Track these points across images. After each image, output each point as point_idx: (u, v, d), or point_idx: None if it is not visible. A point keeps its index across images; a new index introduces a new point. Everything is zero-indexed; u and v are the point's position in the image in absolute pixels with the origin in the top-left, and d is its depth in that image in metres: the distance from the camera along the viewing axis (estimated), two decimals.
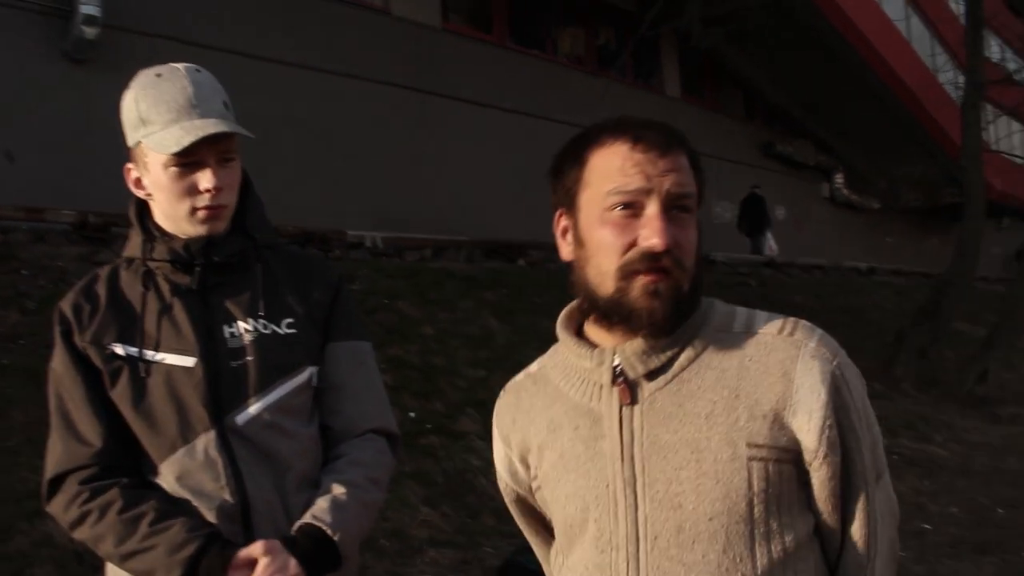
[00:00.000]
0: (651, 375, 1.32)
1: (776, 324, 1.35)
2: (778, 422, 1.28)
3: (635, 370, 1.32)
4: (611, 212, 1.29)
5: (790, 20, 16.21)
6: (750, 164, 19.79)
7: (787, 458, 1.29)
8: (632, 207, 1.28)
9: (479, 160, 12.96)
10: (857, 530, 1.33)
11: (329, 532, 1.66)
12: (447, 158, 12.62)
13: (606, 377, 1.35)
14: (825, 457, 1.29)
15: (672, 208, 1.29)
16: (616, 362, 1.33)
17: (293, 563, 1.61)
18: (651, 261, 1.27)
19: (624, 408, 1.33)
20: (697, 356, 1.33)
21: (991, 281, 21.29)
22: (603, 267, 1.30)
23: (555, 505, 1.41)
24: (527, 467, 1.47)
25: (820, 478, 1.31)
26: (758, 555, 1.27)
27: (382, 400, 1.92)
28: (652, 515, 1.29)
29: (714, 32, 14.13)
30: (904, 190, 24.46)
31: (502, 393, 1.54)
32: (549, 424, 1.42)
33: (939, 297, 11.80)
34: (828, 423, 1.28)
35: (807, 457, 1.30)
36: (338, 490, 1.72)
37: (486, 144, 13.11)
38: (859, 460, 1.31)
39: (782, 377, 1.29)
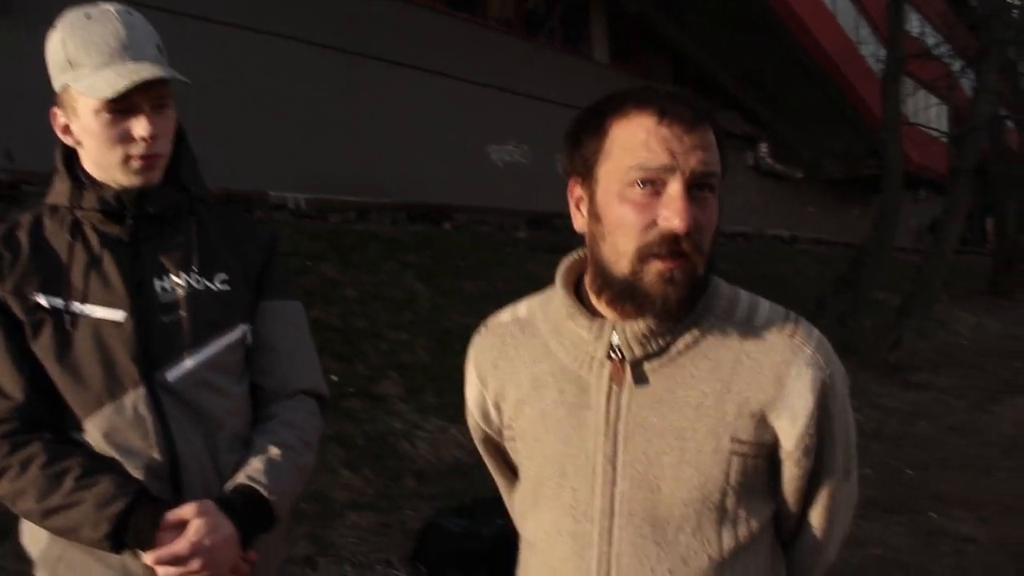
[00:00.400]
0: (647, 356, 1.32)
1: (778, 320, 1.34)
2: (764, 421, 1.30)
3: (632, 352, 1.31)
4: (632, 188, 1.24)
5: None
6: None
7: (764, 453, 1.33)
8: (654, 184, 1.23)
9: (406, 122, 12.78)
10: (817, 518, 1.40)
11: (265, 493, 1.63)
12: (373, 119, 12.42)
13: (601, 352, 1.33)
14: (799, 460, 1.33)
15: (695, 187, 1.24)
16: (615, 340, 1.31)
17: (227, 524, 1.58)
18: (671, 244, 1.23)
19: (614, 384, 1.33)
20: (695, 343, 1.32)
21: (908, 251, 21.87)
22: (620, 246, 1.26)
23: (529, 461, 1.43)
24: (500, 412, 1.47)
25: (790, 475, 1.35)
26: (724, 539, 1.31)
27: (313, 361, 1.89)
28: (629, 493, 1.31)
29: None
30: (827, 161, 24.91)
31: (483, 330, 1.51)
32: (533, 380, 1.40)
33: (859, 266, 12.05)
34: (810, 431, 1.31)
35: (782, 454, 1.34)
36: (273, 451, 1.70)
37: (413, 106, 12.93)
38: (831, 461, 1.36)
39: (775, 380, 1.30)
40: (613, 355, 1.32)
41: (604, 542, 1.33)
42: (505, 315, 1.49)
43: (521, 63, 13.35)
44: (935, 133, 18.94)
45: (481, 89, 13.87)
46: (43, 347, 1.64)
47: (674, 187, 1.22)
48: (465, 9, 15.11)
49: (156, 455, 1.64)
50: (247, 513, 1.62)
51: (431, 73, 13.19)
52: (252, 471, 1.66)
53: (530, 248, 11.16)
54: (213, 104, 9.62)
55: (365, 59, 12.51)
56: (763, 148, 22.97)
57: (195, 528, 1.54)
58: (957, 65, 16.20)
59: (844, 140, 23.11)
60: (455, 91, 13.59)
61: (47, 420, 1.63)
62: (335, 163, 11.60)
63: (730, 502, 1.31)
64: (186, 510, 1.56)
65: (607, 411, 1.32)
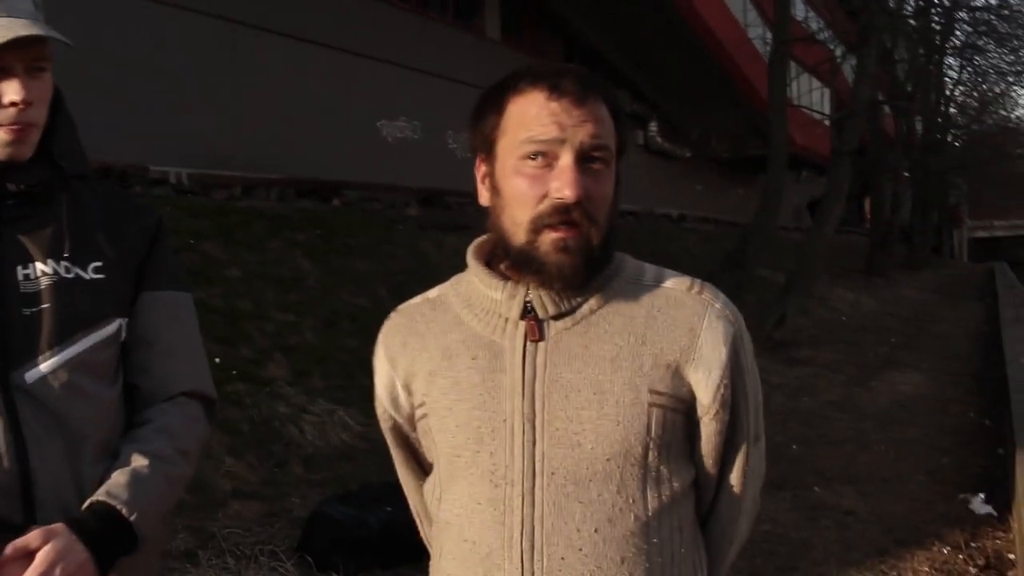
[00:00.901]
0: (560, 316, 1.33)
1: (685, 281, 1.38)
2: (679, 373, 1.32)
3: (545, 310, 1.33)
4: (525, 162, 1.29)
5: None
6: None
7: (682, 408, 1.33)
8: (546, 157, 1.27)
9: (292, 95, 12.43)
10: (734, 483, 1.41)
11: (124, 511, 1.44)
12: (258, 92, 12.04)
13: (515, 312, 1.34)
14: (716, 414, 1.34)
15: (587, 160, 1.28)
16: (528, 298, 1.33)
17: (79, 548, 1.37)
18: (562, 214, 1.27)
19: (529, 344, 1.33)
20: (607, 302, 1.34)
21: (790, 230, 22.53)
22: (516, 218, 1.30)
23: (442, 434, 1.38)
24: (410, 394, 1.44)
25: (708, 432, 1.36)
26: (649, 497, 1.31)
27: (199, 359, 1.68)
28: (550, 452, 1.30)
29: None
30: (714, 140, 25.42)
31: (393, 315, 1.50)
32: (444, 351, 1.39)
33: (744, 245, 12.31)
34: (724, 382, 1.33)
35: (700, 411, 1.35)
36: (139, 462, 1.49)
37: (300, 79, 12.59)
38: (745, 420, 1.38)
39: (688, 331, 1.33)
40: (527, 314, 1.33)
41: (527, 504, 1.30)
42: (416, 299, 1.50)
43: (413, 37, 13.15)
44: (818, 116, 19.48)
45: (372, 63, 13.60)
46: None
47: (564, 159, 1.27)
48: None
49: (5, 470, 1.43)
50: (105, 535, 1.42)
51: (320, 46, 12.87)
52: (113, 486, 1.46)
53: (420, 227, 11.02)
54: (90, 71, 9.16)
55: (251, 28, 12.11)
56: (652, 127, 23.27)
57: (43, 558, 1.35)
58: (839, 50, 16.66)
59: (731, 120, 23.62)
60: (345, 64, 13.28)
61: None
62: (219, 136, 11.20)
63: (652, 457, 1.31)
64: (32, 537, 1.37)
65: (523, 371, 1.32)
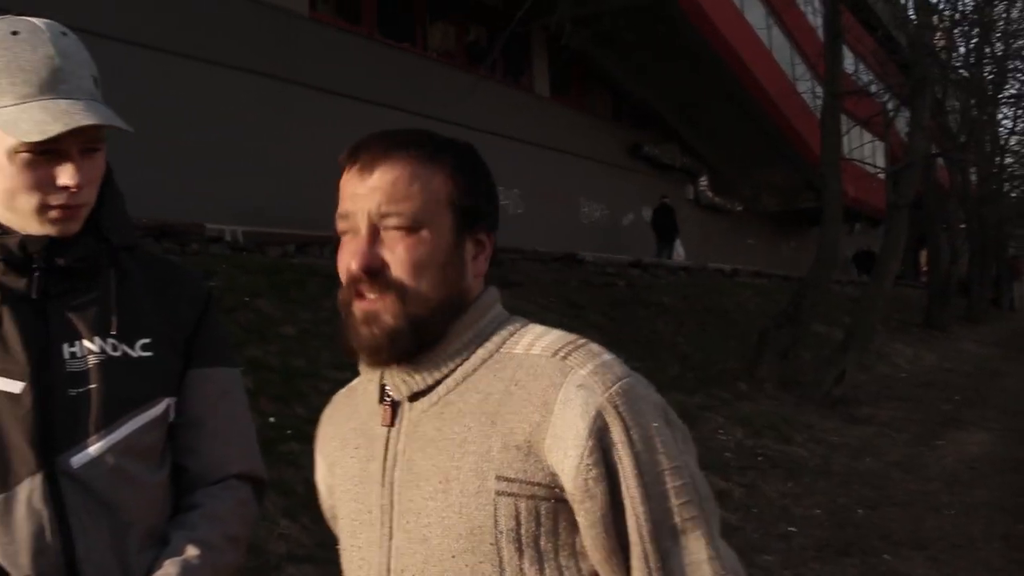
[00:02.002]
0: (416, 396, 1.23)
1: (556, 344, 1.20)
2: (533, 455, 1.14)
3: (399, 391, 1.23)
4: (341, 237, 1.23)
5: (658, 24, 16.46)
6: (618, 165, 20.02)
7: (547, 495, 1.14)
8: (352, 232, 1.21)
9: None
10: None
11: None
12: (312, 151, 12.16)
13: (375, 396, 1.27)
14: (582, 503, 1.13)
15: (384, 228, 1.19)
16: (384, 380, 1.25)
17: None
18: (354, 285, 1.20)
19: (391, 430, 1.24)
20: (466, 377, 1.21)
21: (843, 283, 22.21)
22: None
23: (339, 527, 1.33)
24: (329, 486, 1.38)
25: (582, 525, 1.15)
26: None
27: (249, 439, 1.62)
28: (402, 547, 1.20)
29: (584, 32, 14.17)
30: (764, 194, 25.29)
31: (331, 400, 1.45)
32: (342, 441, 1.33)
33: (799, 299, 12.12)
34: (586, 463, 1.11)
35: (569, 499, 1.14)
36: (190, 552, 1.43)
37: (352, 137, 12.61)
38: (636, 512, 1.12)
39: (541, 406, 1.14)
40: (385, 398, 1.25)
41: None
42: (347, 386, 1.43)
43: (462, 95, 13.27)
44: (872, 168, 19.29)
45: (422, 120, 13.68)
46: None
47: (359, 231, 1.20)
48: (405, 40, 15.04)
49: (51, 559, 1.38)
50: None
51: (372, 104, 13.05)
52: None
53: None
54: (148, 132, 9.36)
55: (303, 88, 12.34)
56: (703, 181, 23.23)
57: None
58: (890, 103, 16.53)
59: (781, 174, 23.50)
60: (397, 122, 13.25)
61: None
62: (274, 194, 11.36)
63: (508, 555, 1.14)
64: None
65: (384, 459, 1.23)
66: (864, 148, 22.63)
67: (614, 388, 1.14)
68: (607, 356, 1.18)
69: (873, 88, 18.03)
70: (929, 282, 23.40)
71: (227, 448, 1.57)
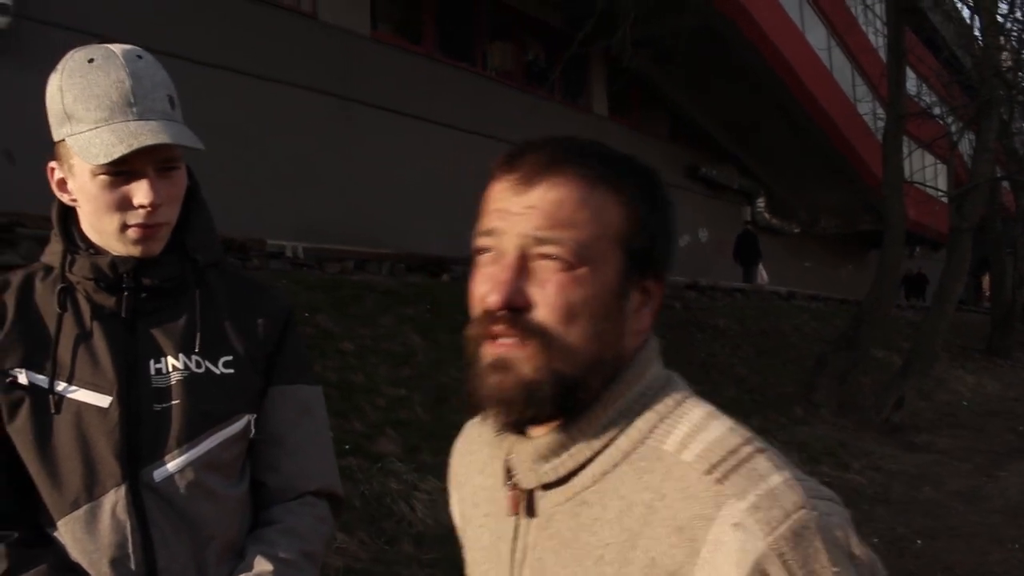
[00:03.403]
0: (550, 486, 1.02)
1: (713, 454, 0.94)
2: None
3: (527, 479, 1.03)
4: (479, 256, 1.01)
5: (717, 45, 16.38)
6: (675, 185, 19.92)
7: None
8: (492, 252, 1.00)
9: (404, 172, 12.73)
10: None
11: None
12: (372, 168, 12.36)
13: (500, 473, 1.07)
14: None
15: (536, 258, 0.97)
16: (509, 460, 1.05)
17: None
18: (487, 322, 0.98)
19: (522, 518, 1.05)
20: (605, 474, 0.99)
21: (903, 308, 21.83)
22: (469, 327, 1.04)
23: None
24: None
25: None
26: None
27: (327, 456, 1.64)
28: None
29: (643, 53, 14.16)
30: (822, 216, 24.97)
31: (464, 428, 1.25)
32: (473, 495, 1.15)
33: (858, 323, 11.95)
34: None
35: None
36: (266, 567, 1.46)
37: (412, 156, 12.90)
38: None
39: (688, 542, 0.92)
40: (510, 479, 1.05)
41: None
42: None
43: (521, 115, 13.35)
44: (934, 191, 18.98)
45: (481, 139, 13.84)
46: (20, 432, 1.43)
47: (508, 257, 0.98)
48: (464, 59, 15.16)
49: (133, 569, 1.42)
50: None
51: (430, 123, 13.18)
52: None
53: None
54: (213, 149, 9.55)
55: (363, 106, 12.50)
56: (760, 203, 23.02)
57: None
58: (954, 125, 16.26)
59: (840, 196, 23.20)
60: (455, 141, 13.55)
61: (17, 515, 1.43)
62: (333, 211, 11.51)
63: None
64: None
65: (512, 549, 1.06)
66: (926, 171, 22.30)
67: (781, 530, 0.89)
68: (776, 479, 0.92)
69: (937, 110, 17.75)
70: (992, 308, 22.88)
71: (306, 465, 1.59)
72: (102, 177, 1.42)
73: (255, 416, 1.56)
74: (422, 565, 4.98)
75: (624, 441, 0.99)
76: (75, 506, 1.42)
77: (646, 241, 1.00)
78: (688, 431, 0.97)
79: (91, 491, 1.42)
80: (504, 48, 16.64)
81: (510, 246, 0.97)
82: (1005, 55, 15.24)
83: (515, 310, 0.96)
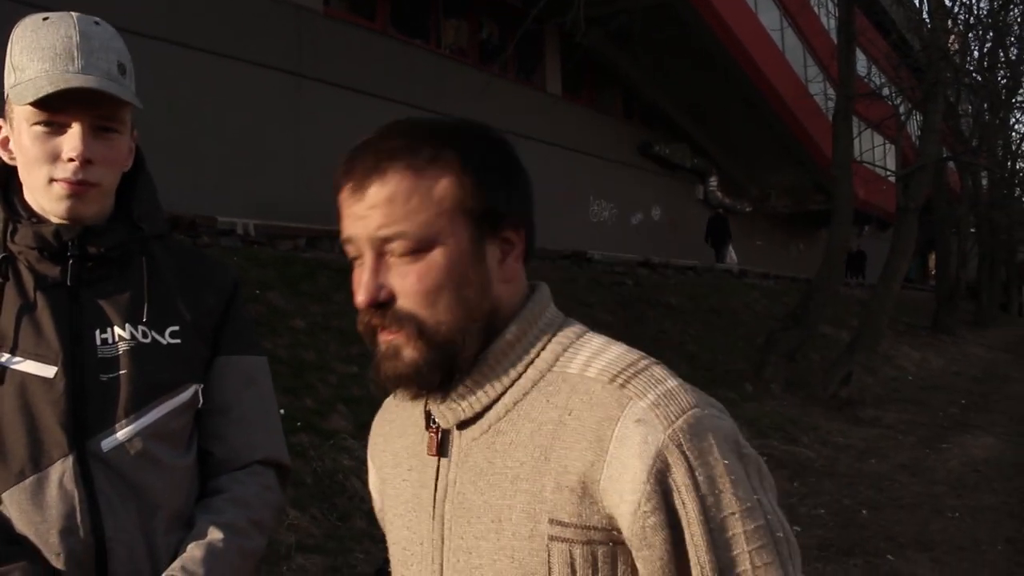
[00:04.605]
0: (464, 424, 1.10)
1: (614, 368, 1.04)
2: (588, 497, 1.01)
3: (444, 419, 1.10)
4: (352, 261, 1.09)
5: (671, 24, 16.43)
6: (628, 163, 20.01)
7: (603, 539, 1.02)
8: (359, 258, 1.07)
9: None
10: None
11: None
12: (324, 145, 12.23)
13: (421, 421, 1.15)
14: (640, 550, 1.01)
15: (387, 254, 1.05)
16: (428, 406, 1.12)
17: None
18: (366, 318, 1.07)
19: (441, 459, 1.12)
20: (516, 403, 1.07)
21: (852, 286, 22.19)
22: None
23: (391, 549, 1.23)
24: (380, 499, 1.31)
25: (641, 572, 1.03)
26: None
27: (274, 426, 1.64)
28: None
29: (597, 31, 14.17)
30: (774, 195, 25.25)
31: (384, 402, 1.31)
32: (394, 457, 1.21)
33: (807, 301, 12.13)
34: (643, 510, 0.98)
35: (627, 544, 1.02)
36: (215, 535, 1.46)
37: (364, 132, 12.77)
38: (700, 562, 0.99)
39: (596, 443, 1.00)
40: (431, 424, 1.13)
41: None
42: None
43: (475, 92, 13.29)
44: (882, 172, 19.26)
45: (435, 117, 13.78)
46: None
47: (364, 259, 1.06)
48: (418, 36, 15.05)
49: (81, 540, 1.41)
50: None
51: (384, 100, 13.06)
52: (188, 561, 1.42)
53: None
54: (161, 125, 9.41)
55: (315, 83, 12.37)
56: (712, 182, 23.19)
57: None
58: (903, 106, 16.51)
59: (791, 175, 23.47)
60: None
61: None
62: (284, 189, 11.41)
63: None
64: None
65: (435, 489, 1.12)
66: (875, 151, 22.63)
67: (678, 423, 0.99)
68: (672, 383, 1.03)
69: (885, 91, 18.00)
70: (937, 286, 23.36)
71: (253, 434, 1.59)
72: (35, 128, 1.41)
73: (202, 386, 1.55)
74: (374, 540, 4.99)
75: (532, 372, 1.08)
76: (20, 477, 1.40)
77: (487, 201, 1.06)
78: (590, 355, 1.07)
79: (37, 462, 1.40)
80: (458, 25, 16.55)
81: (365, 249, 1.05)
82: (952, 38, 15.49)
83: (382, 305, 1.05)
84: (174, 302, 1.54)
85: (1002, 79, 20.63)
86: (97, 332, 1.47)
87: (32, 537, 1.40)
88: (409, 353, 1.05)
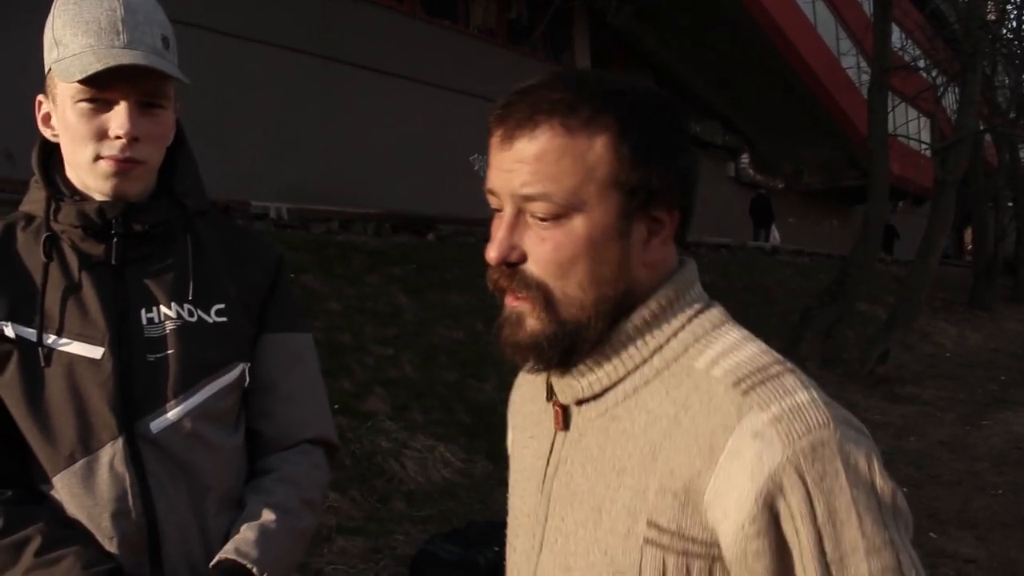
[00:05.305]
0: (583, 401, 1.04)
1: (742, 371, 0.96)
2: (692, 506, 0.93)
3: (563, 394, 1.06)
4: (495, 213, 1.04)
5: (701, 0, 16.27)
6: None
7: (701, 552, 0.94)
8: (500, 212, 1.02)
9: (387, 131, 12.63)
10: None
11: (255, 571, 1.38)
12: (355, 128, 12.26)
13: (543, 392, 1.11)
14: (739, 574, 0.93)
15: (527, 213, 0.99)
16: (550, 379, 1.08)
17: None
18: (494, 276, 1.02)
19: (558, 433, 1.08)
20: (636, 390, 1.01)
21: (888, 262, 21.94)
22: None
23: (509, 512, 1.19)
24: None
25: None
26: None
27: (321, 404, 1.63)
28: (546, 568, 1.06)
29: (626, 9, 14.04)
30: (806, 172, 24.99)
31: None
32: (523, 420, 1.18)
33: (842, 277, 12.00)
34: (746, 533, 0.90)
35: (726, 565, 0.94)
36: (267, 516, 1.45)
37: (395, 115, 12.79)
38: None
39: (707, 450, 0.93)
40: (552, 396, 1.09)
41: None
42: None
43: (504, 72, 13.23)
44: (919, 145, 18.99)
45: (465, 98, 13.74)
46: (8, 387, 1.39)
47: (504, 213, 1.01)
48: (447, 17, 15.00)
49: (133, 522, 1.40)
50: None
51: (413, 81, 13.06)
52: (241, 543, 1.41)
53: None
54: (193, 109, 9.43)
55: (343, 65, 12.38)
56: (744, 159, 22.99)
57: None
58: (939, 79, 16.24)
59: (824, 151, 23.20)
60: (439, 100, 13.45)
61: (10, 473, 1.40)
62: (317, 172, 11.44)
63: None
64: None
65: (547, 464, 1.08)
66: (908, 125, 22.31)
67: (802, 442, 0.90)
68: (803, 395, 0.93)
69: (921, 64, 17.71)
70: (974, 261, 23.03)
71: (301, 412, 1.58)
72: (81, 105, 1.38)
73: (248, 364, 1.54)
74: (414, 522, 5.01)
75: (658, 360, 1.00)
76: (71, 461, 1.39)
77: (642, 175, 0.98)
78: (721, 351, 0.99)
79: (87, 445, 1.39)
80: (487, 5, 16.47)
81: (506, 204, 0.99)
82: (989, 6, 15.19)
83: (512, 265, 0.99)
84: (219, 279, 1.53)
85: None
86: (143, 311, 1.45)
87: (84, 521, 1.39)
88: (532, 324, 1.00)
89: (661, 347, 1.01)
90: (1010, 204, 26.09)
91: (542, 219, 0.97)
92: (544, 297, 0.99)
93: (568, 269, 0.98)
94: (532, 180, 0.96)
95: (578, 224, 0.97)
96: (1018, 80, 20.46)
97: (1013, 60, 18.34)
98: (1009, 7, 16.64)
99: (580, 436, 1.04)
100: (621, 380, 1.02)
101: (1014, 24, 18.70)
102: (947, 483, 6.98)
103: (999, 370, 13.29)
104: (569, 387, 1.04)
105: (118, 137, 1.39)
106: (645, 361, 1.01)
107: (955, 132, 12.99)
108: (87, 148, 1.40)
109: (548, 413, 1.09)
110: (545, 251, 0.98)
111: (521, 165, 0.97)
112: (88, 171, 1.42)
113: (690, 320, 1.03)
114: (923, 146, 19.00)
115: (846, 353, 11.86)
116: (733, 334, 1.02)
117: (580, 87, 0.98)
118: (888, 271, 19.93)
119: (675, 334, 1.01)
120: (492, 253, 0.99)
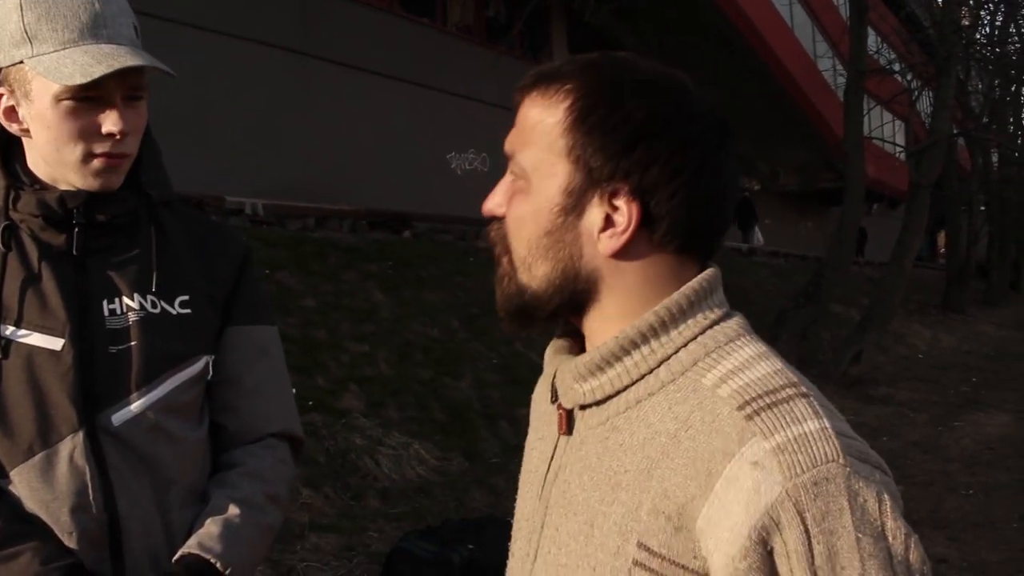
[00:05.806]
0: (587, 406, 0.99)
1: (750, 392, 0.89)
2: (684, 532, 0.87)
3: (567, 397, 1.01)
4: None
5: (679, 1, 16.31)
6: None
7: None
8: None
9: (364, 128, 12.56)
10: None
11: (219, 566, 1.36)
12: (332, 125, 12.18)
13: (548, 392, 1.07)
14: None
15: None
16: (556, 379, 1.04)
17: None
18: (492, 232, 1.05)
19: (562, 436, 1.03)
20: (639, 401, 0.95)
21: (862, 264, 22.12)
22: None
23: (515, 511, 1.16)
24: None
25: None
26: None
27: (287, 398, 1.61)
28: None
29: (604, 8, 14.06)
30: (783, 173, 25.15)
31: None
32: (536, 420, 1.15)
33: (818, 279, 12.07)
34: (737, 566, 0.83)
35: None
36: (231, 511, 1.42)
37: (371, 111, 12.72)
38: None
39: (704, 475, 0.86)
40: (555, 399, 1.04)
41: None
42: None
43: (482, 71, 13.20)
44: (894, 149, 19.14)
45: (441, 96, 13.70)
46: None
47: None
48: (425, 14, 14.95)
49: (93, 517, 1.37)
50: None
51: (391, 79, 13.00)
52: (205, 538, 1.38)
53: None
54: (168, 104, 9.35)
55: (323, 62, 12.30)
56: None
57: None
58: (914, 83, 16.37)
59: (800, 153, 23.34)
60: (415, 97, 13.40)
61: None
62: (293, 168, 11.36)
63: None
64: None
65: (547, 469, 1.04)
66: (883, 129, 22.49)
67: (804, 477, 0.82)
68: (813, 424, 0.86)
69: (896, 67, 17.84)
70: (947, 264, 23.25)
71: (266, 406, 1.55)
72: (66, 103, 1.34)
73: (213, 357, 1.51)
74: (388, 519, 4.98)
75: (664, 371, 0.95)
76: (29, 454, 1.35)
77: (602, 156, 0.94)
78: (731, 368, 0.92)
79: (46, 438, 1.36)
80: (464, 3, 16.43)
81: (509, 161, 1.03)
82: (964, 11, 15.32)
83: (490, 218, 1.04)
84: (184, 271, 1.50)
85: (1013, 54, 20.42)
86: (105, 302, 1.42)
87: (43, 515, 1.36)
88: (508, 286, 1.02)
89: (669, 358, 0.95)
90: (983, 208, 26.38)
91: (514, 178, 1.01)
92: (513, 258, 1.01)
93: (519, 228, 0.99)
94: (511, 140, 1.01)
95: (532, 187, 0.98)
96: (991, 85, 20.68)
97: (987, 65, 18.53)
98: (983, 13, 16.81)
99: (581, 443, 1.00)
100: (625, 389, 0.96)
101: (988, 29, 18.91)
102: (920, 483, 7.03)
103: (971, 372, 13.42)
104: (572, 391, 0.99)
105: (111, 135, 1.37)
106: (651, 371, 0.95)
107: (929, 136, 13.10)
108: (76, 147, 1.36)
109: (555, 415, 1.05)
110: (510, 208, 1.01)
111: (514, 127, 1.02)
112: (75, 169, 1.38)
113: (703, 331, 0.96)
114: (898, 149, 19.14)
115: (821, 354, 11.93)
116: (748, 349, 0.95)
117: (588, 63, 1.01)
118: (862, 273, 20.09)
119: (685, 345, 0.95)
120: (484, 204, 1.03)
